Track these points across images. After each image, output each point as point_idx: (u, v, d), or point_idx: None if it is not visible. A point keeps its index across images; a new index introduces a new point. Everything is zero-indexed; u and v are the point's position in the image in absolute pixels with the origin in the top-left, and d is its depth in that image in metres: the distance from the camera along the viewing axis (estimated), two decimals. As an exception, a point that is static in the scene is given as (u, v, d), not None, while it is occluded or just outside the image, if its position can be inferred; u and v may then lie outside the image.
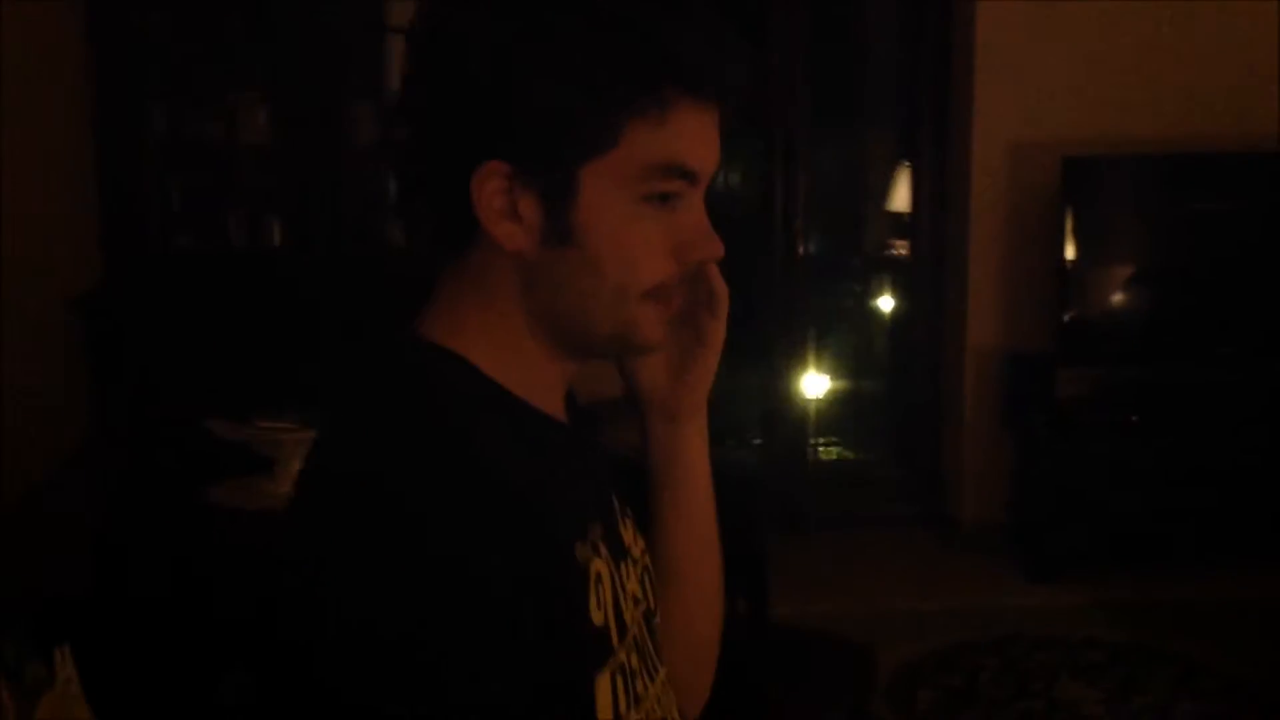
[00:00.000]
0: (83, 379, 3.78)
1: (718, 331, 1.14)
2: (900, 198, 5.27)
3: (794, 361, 4.87)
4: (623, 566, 1.06)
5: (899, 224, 5.30)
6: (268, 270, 4.00)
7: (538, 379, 1.02)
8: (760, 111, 4.76)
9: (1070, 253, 4.41)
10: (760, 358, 4.87)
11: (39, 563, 2.26)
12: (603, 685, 0.97)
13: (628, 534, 1.11)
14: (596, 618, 0.98)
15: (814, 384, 5.11)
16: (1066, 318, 4.44)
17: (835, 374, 5.60)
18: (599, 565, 1.00)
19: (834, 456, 5.43)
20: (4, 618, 1.66)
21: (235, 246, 4.01)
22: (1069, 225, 4.39)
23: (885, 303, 5.49)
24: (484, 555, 0.86)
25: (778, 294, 4.81)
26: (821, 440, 5.37)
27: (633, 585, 1.07)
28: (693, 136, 0.97)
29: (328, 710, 0.85)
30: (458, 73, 0.93)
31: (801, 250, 4.81)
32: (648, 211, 0.97)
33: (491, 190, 0.93)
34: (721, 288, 1.12)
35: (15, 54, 4.02)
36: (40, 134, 4.03)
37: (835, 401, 5.58)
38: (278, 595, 0.91)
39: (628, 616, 1.04)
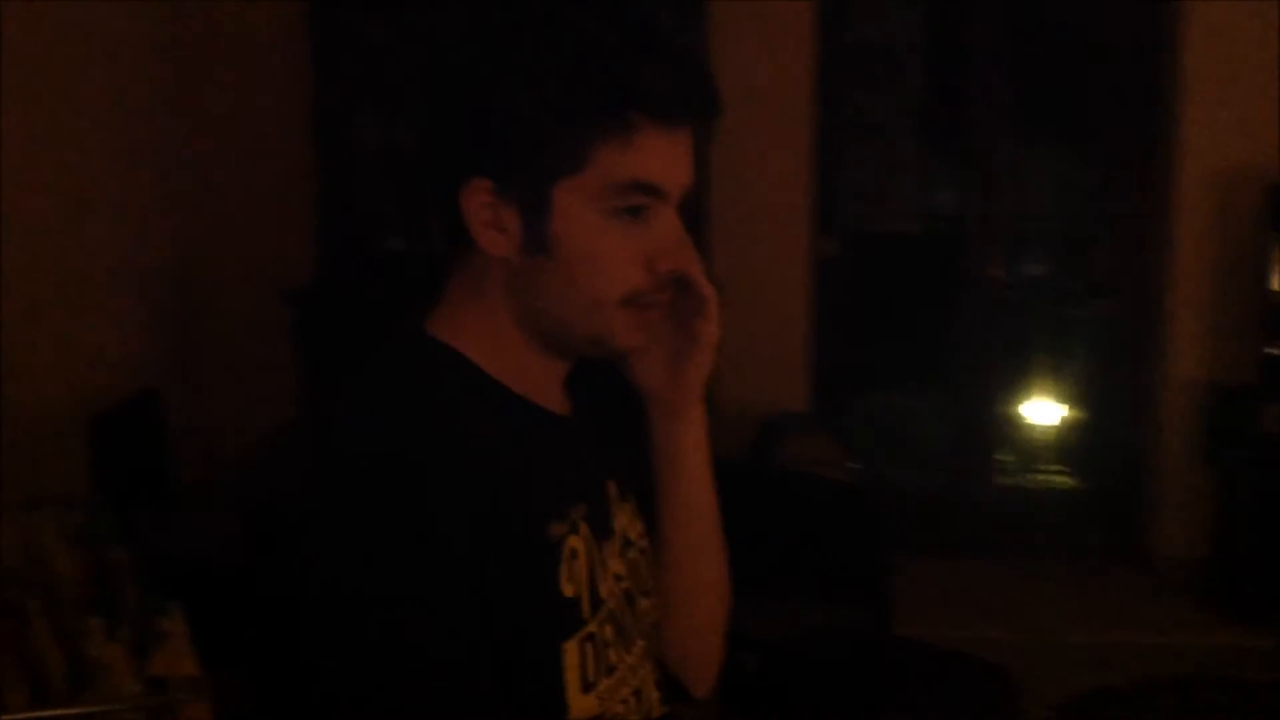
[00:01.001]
0: (290, 366, 4.04)
1: (709, 332, 1.20)
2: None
3: (987, 386, 4.82)
4: (605, 546, 1.14)
5: (1101, 250, 5.17)
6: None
7: (529, 373, 1.12)
8: (961, 130, 4.73)
9: (1276, 283, 4.24)
10: (950, 381, 4.83)
11: (202, 531, 2.44)
12: (570, 651, 1.07)
13: (623, 518, 1.20)
14: (567, 589, 1.07)
15: (1007, 408, 5.04)
16: (1271, 350, 4.27)
17: (1032, 400, 5.50)
18: (575, 542, 1.09)
19: (1028, 482, 5.33)
20: (127, 577, 1.83)
21: (436, 249, 4.19)
22: (1274, 255, 4.23)
23: (1084, 329, 5.36)
24: (456, 524, 0.97)
25: (969, 317, 4.76)
26: (1015, 465, 5.28)
27: (615, 564, 1.16)
28: (660, 156, 1.06)
29: (311, 664, 0.97)
30: (448, 100, 1.07)
31: (997, 273, 4.75)
32: (618, 225, 1.06)
33: (477, 203, 1.05)
34: (709, 291, 1.18)
35: (241, 67, 4.35)
36: (261, 139, 4.34)
37: (1032, 427, 5.48)
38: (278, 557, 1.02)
39: (604, 591, 1.12)
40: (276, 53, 4.28)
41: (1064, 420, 5.43)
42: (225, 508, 2.59)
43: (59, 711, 1.58)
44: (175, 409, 3.89)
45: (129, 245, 3.88)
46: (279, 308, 4.03)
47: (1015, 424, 5.22)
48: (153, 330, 4.04)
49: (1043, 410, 5.48)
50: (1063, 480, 5.37)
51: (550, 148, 1.03)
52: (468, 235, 1.06)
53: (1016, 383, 5.16)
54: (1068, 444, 5.40)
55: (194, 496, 3.06)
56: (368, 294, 4.12)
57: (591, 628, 1.09)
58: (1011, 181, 4.81)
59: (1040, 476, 5.38)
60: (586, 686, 1.07)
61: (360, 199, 4.23)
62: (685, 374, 1.21)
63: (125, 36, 3.89)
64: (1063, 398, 5.50)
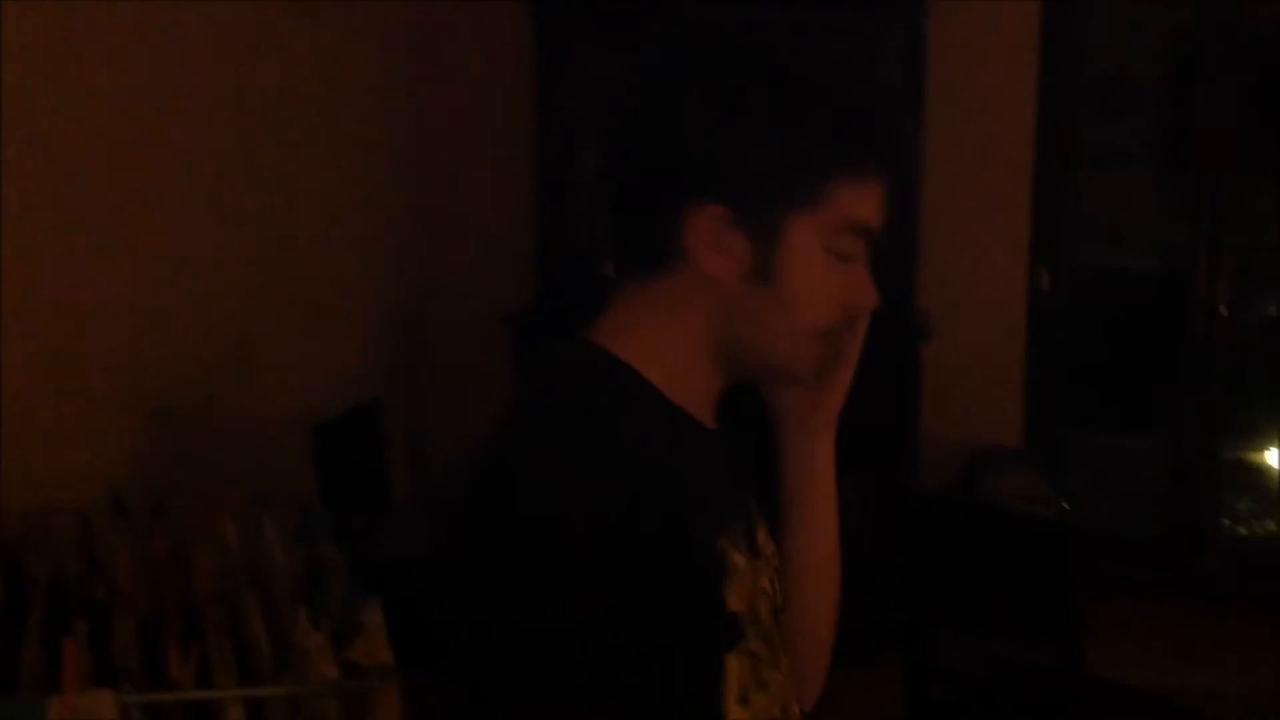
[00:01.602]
0: (510, 386, 4.22)
1: (855, 346, 1.22)
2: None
3: (1210, 426, 4.64)
4: (755, 563, 1.17)
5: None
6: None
7: (695, 391, 1.15)
8: (1189, 162, 4.60)
9: None
10: (1172, 419, 4.68)
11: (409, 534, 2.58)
12: (733, 665, 1.08)
13: (761, 536, 1.23)
14: (733, 604, 1.09)
15: (1232, 450, 4.84)
16: None
17: (1258, 442, 5.26)
18: (738, 557, 1.12)
19: (1250, 527, 5.10)
20: (335, 573, 1.97)
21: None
22: None
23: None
24: (633, 535, 0.99)
25: (1194, 354, 4.61)
26: (1236, 509, 5.06)
27: (763, 581, 1.19)
28: (876, 200, 1.12)
29: (488, 667, 1.00)
30: (685, 123, 1.08)
31: (1224, 309, 4.58)
32: (831, 261, 1.11)
33: (703, 226, 1.07)
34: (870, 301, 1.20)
35: (470, 104, 4.58)
36: (487, 172, 4.57)
37: (1256, 470, 5.24)
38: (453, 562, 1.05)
39: (759, 608, 1.15)
40: (503, 91, 4.49)
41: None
42: (432, 514, 2.74)
43: (264, 691, 1.73)
44: (399, 422, 4.12)
45: (364, 272, 4.13)
46: (501, 330, 4.21)
47: (1240, 466, 5.00)
48: (381, 348, 4.29)
49: (1268, 453, 5.24)
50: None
51: (794, 182, 1.07)
52: (673, 255, 1.08)
53: (1241, 424, 4.95)
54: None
55: (409, 503, 3.24)
56: (583, 317, 4.26)
57: (751, 644, 1.11)
58: (1241, 215, 4.63)
59: (1262, 521, 5.14)
60: (743, 700, 1.09)
61: (578, 228, 4.39)
62: (828, 392, 1.23)
63: (365, 80, 4.15)
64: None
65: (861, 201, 1.10)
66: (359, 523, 3.01)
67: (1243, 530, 5.05)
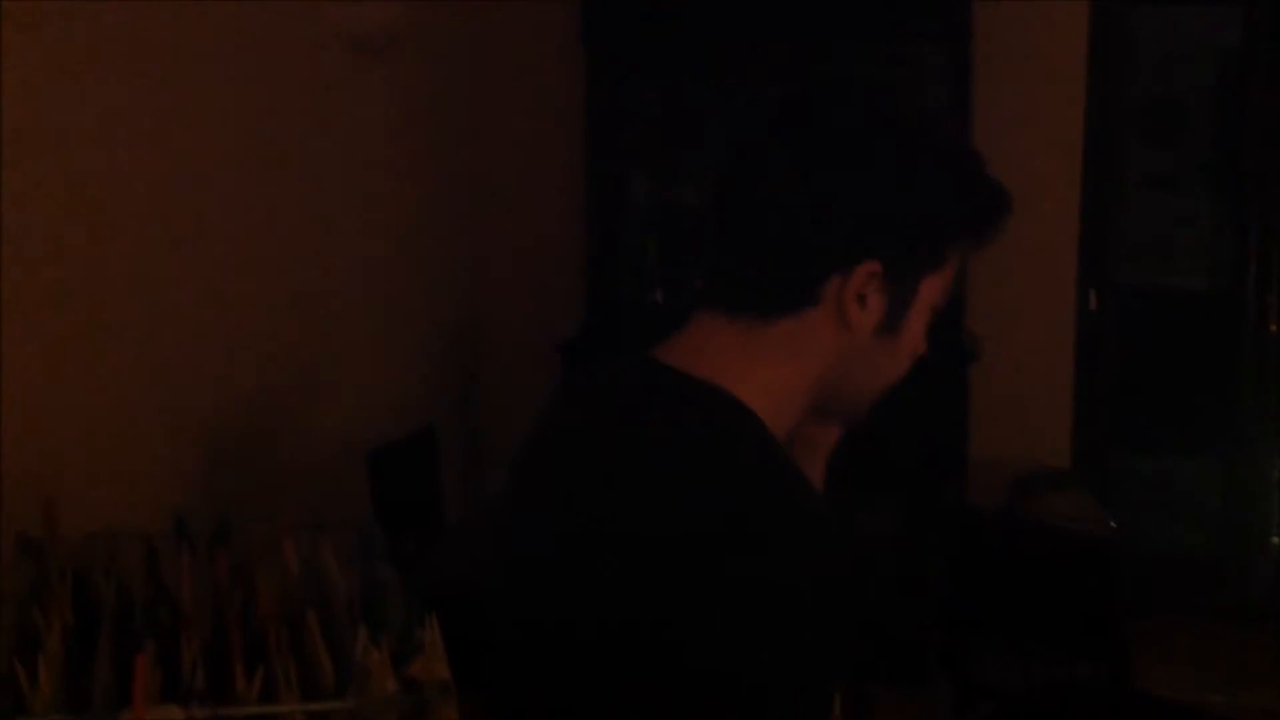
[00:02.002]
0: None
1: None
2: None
3: (1264, 447, 4.63)
4: None
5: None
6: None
7: (782, 428, 1.16)
8: (1242, 184, 4.60)
9: None
10: (1223, 440, 4.67)
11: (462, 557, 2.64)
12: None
13: None
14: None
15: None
16: None
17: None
18: None
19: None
20: (393, 594, 2.03)
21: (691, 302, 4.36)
22: None
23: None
24: (855, 574, 1.08)
25: (1247, 376, 4.60)
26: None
27: None
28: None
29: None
30: (855, 191, 1.11)
31: (1275, 329, 4.57)
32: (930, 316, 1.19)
33: (855, 282, 1.11)
34: None
35: (521, 133, 4.66)
36: (538, 201, 4.65)
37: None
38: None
39: None
40: (554, 119, 4.57)
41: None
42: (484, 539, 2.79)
43: (326, 705, 1.79)
44: (454, 447, 4.19)
45: (419, 301, 4.21)
46: (553, 357, 4.28)
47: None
48: (435, 375, 4.36)
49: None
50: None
51: (936, 246, 1.14)
52: (807, 301, 1.11)
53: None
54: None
55: (463, 527, 3.30)
56: (632, 345, 4.31)
57: None
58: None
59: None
60: None
61: (628, 257, 4.45)
62: (848, 425, 1.29)
63: (421, 112, 4.24)
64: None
65: (961, 261, 1.17)
66: (414, 545, 3.08)
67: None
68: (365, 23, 3.56)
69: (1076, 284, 4.59)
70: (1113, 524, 3.84)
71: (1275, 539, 4.76)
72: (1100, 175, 4.59)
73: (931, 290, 1.14)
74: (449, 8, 4.40)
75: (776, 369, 1.13)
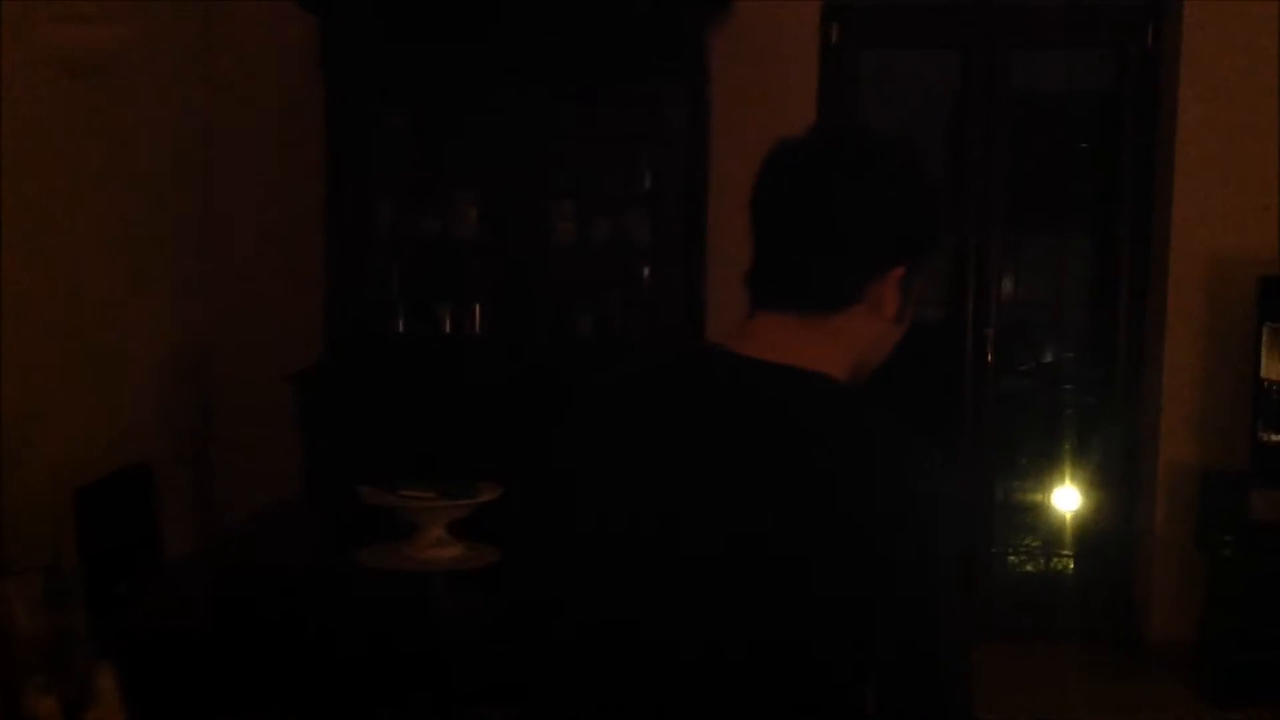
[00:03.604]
0: (298, 445, 4.22)
1: None
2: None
3: (980, 473, 4.89)
4: None
5: (1095, 338, 5.24)
6: (468, 354, 4.35)
7: None
8: (960, 222, 4.86)
9: (1265, 371, 4.30)
10: (946, 463, 4.89)
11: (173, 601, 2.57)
12: None
13: None
14: None
15: (1002, 495, 5.09)
16: (1260, 438, 4.32)
17: (1027, 486, 5.54)
18: None
19: (1022, 567, 5.36)
20: (78, 640, 1.98)
21: (443, 331, 4.38)
22: (1265, 344, 4.29)
23: (1078, 415, 5.41)
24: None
25: (966, 401, 4.85)
26: (1009, 550, 5.31)
27: None
28: None
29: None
30: (891, 213, 1.40)
31: (991, 362, 4.84)
32: None
33: (889, 283, 1.40)
34: None
35: (256, 154, 4.59)
36: (275, 224, 4.58)
37: (1024, 510, 5.51)
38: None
39: None
40: (292, 140, 4.52)
41: (1059, 506, 5.46)
42: (204, 580, 2.74)
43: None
44: (179, 484, 4.08)
45: (143, 329, 4.09)
46: (286, 388, 4.21)
47: (1009, 510, 5.26)
48: (159, 408, 4.24)
49: (1037, 496, 5.52)
50: (1056, 565, 5.39)
51: (930, 254, 1.44)
52: (855, 300, 1.39)
53: (1011, 469, 5.22)
54: (1062, 529, 5.42)
55: (183, 568, 3.22)
56: (372, 376, 4.29)
57: None
58: (1007, 271, 4.91)
59: (1034, 561, 5.41)
60: None
61: (369, 284, 4.42)
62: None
63: (144, 127, 4.13)
64: (1057, 484, 5.54)
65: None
66: (125, 587, 2.99)
67: (1012, 568, 5.29)
68: (83, 43, 3.46)
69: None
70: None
71: (991, 562, 5.03)
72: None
73: (921, 287, 1.44)
74: (177, 29, 4.31)
75: (837, 352, 1.40)
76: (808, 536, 1.25)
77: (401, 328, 4.41)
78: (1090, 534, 5.07)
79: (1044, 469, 5.63)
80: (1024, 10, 4.80)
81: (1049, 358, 5.94)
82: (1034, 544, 5.40)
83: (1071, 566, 5.29)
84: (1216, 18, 4.49)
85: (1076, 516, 5.29)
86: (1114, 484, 4.88)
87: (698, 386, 1.39)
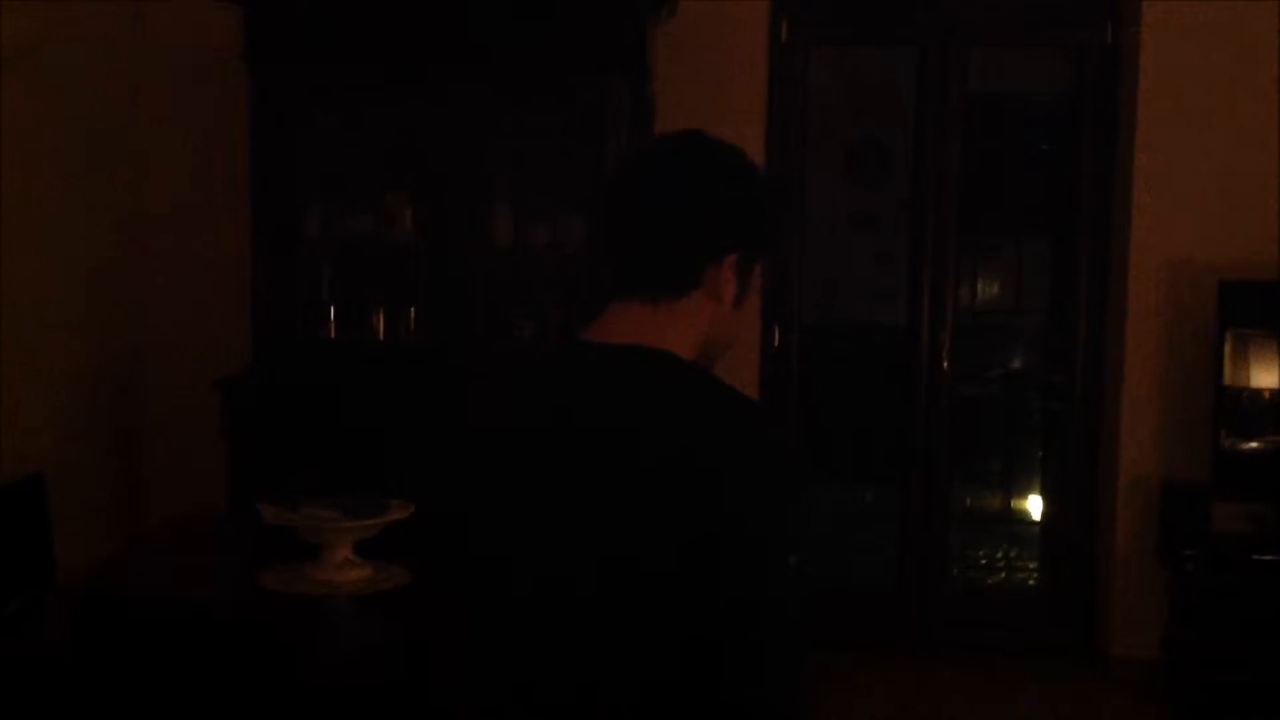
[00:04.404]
0: (224, 454, 4.05)
1: None
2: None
3: (940, 483, 4.75)
4: None
5: (1054, 345, 5.11)
6: (403, 360, 4.18)
7: None
8: (920, 226, 4.73)
9: (1228, 378, 4.18)
10: (901, 473, 4.77)
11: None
12: None
13: None
14: None
15: (962, 505, 4.96)
16: (1223, 447, 4.19)
17: (987, 496, 5.42)
18: None
19: (982, 580, 5.23)
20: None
21: (377, 337, 4.22)
22: (1227, 349, 4.17)
23: (1038, 424, 5.29)
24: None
25: (921, 411, 4.71)
26: (969, 563, 5.18)
27: None
28: None
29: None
30: (736, 200, 1.55)
31: (950, 368, 4.70)
32: None
33: (726, 268, 1.52)
34: None
35: (181, 154, 4.43)
36: (200, 225, 4.41)
37: (985, 522, 5.39)
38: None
39: None
40: (216, 139, 4.35)
41: (1020, 515, 5.35)
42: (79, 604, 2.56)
43: None
44: (95, 494, 3.90)
45: (55, 331, 3.91)
46: (213, 394, 4.05)
47: (968, 519, 5.13)
48: (74, 414, 4.06)
49: (998, 507, 5.41)
50: (1016, 577, 5.27)
51: (767, 241, 1.59)
52: (694, 285, 1.51)
53: (971, 478, 5.09)
54: (1023, 540, 5.31)
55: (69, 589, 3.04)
56: (302, 382, 4.13)
57: None
58: (965, 278, 4.78)
59: (993, 574, 5.28)
60: None
61: (299, 287, 4.25)
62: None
63: (66, 123, 3.97)
64: (1017, 494, 5.43)
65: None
66: (18, 602, 2.83)
67: (972, 581, 5.16)
68: (3, 35, 3.29)
69: (761, 320, 4.63)
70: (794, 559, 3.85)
71: (950, 575, 4.89)
72: (784, 213, 4.64)
73: (757, 275, 1.57)
74: (101, 23, 4.14)
75: (680, 333, 1.52)
76: (643, 494, 1.37)
77: (333, 333, 4.24)
78: (1051, 545, 4.94)
79: (1005, 477, 5.51)
80: (981, 7, 4.66)
81: (1016, 364, 5.83)
82: (993, 556, 5.28)
83: (1033, 579, 5.17)
84: (1177, 15, 4.37)
85: (1038, 527, 5.16)
86: (1075, 494, 4.75)
87: (551, 373, 1.54)
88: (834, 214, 6.78)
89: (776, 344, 4.71)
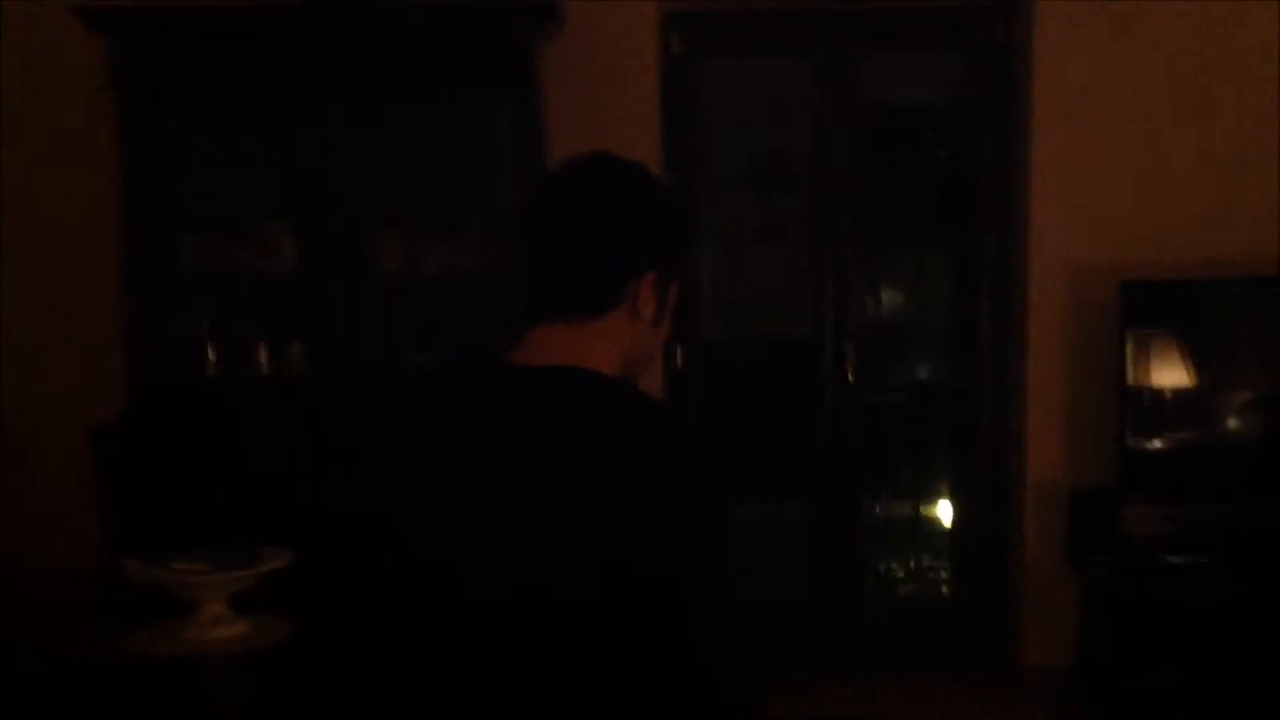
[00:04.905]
0: (99, 505, 3.85)
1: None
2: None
3: (846, 493, 4.67)
4: None
5: (956, 349, 5.07)
6: (289, 396, 4.01)
7: None
8: (818, 236, 4.66)
9: (1132, 379, 4.14)
10: (811, 487, 4.68)
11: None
12: None
13: None
14: None
15: (868, 516, 4.88)
16: (1128, 447, 4.15)
17: (896, 504, 5.36)
18: None
19: (890, 591, 5.15)
20: None
21: (259, 373, 4.04)
22: (1130, 350, 4.13)
23: (942, 430, 5.25)
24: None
25: (827, 420, 4.63)
26: (876, 574, 5.11)
27: None
28: None
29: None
30: (649, 222, 1.62)
31: (852, 376, 4.62)
32: None
33: (644, 287, 1.59)
34: None
35: (45, 181, 4.23)
36: (67, 260, 4.21)
37: (897, 533, 5.33)
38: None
39: None
40: (83, 172, 4.15)
41: (931, 526, 5.30)
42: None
43: None
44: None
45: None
46: (85, 442, 3.86)
47: (881, 532, 5.06)
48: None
49: (909, 516, 5.35)
50: (930, 589, 5.22)
51: (681, 263, 1.65)
52: (613, 305, 1.58)
53: (880, 490, 5.02)
54: (932, 550, 5.26)
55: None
56: (181, 425, 3.94)
57: None
58: (868, 288, 4.71)
59: (903, 585, 5.22)
60: None
61: (175, 324, 4.06)
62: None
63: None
64: (928, 503, 5.38)
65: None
66: None
67: (879, 593, 5.09)
68: None
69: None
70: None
71: (856, 587, 4.80)
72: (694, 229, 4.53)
73: (674, 294, 1.64)
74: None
75: (603, 353, 1.57)
76: (566, 513, 1.40)
77: (213, 371, 4.05)
78: (961, 554, 4.88)
79: (915, 487, 5.46)
80: (872, 13, 4.59)
81: (923, 372, 5.78)
82: (907, 567, 5.22)
83: (946, 589, 5.11)
84: (1069, 12, 4.33)
85: (948, 536, 5.11)
86: (984, 500, 4.69)
87: (472, 396, 1.56)
88: (740, 228, 6.71)
89: (680, 364, 4.61)
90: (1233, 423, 4.24)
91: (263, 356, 4.07)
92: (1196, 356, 4.22)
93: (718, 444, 1.51)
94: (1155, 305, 4.17)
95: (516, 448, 1.46)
